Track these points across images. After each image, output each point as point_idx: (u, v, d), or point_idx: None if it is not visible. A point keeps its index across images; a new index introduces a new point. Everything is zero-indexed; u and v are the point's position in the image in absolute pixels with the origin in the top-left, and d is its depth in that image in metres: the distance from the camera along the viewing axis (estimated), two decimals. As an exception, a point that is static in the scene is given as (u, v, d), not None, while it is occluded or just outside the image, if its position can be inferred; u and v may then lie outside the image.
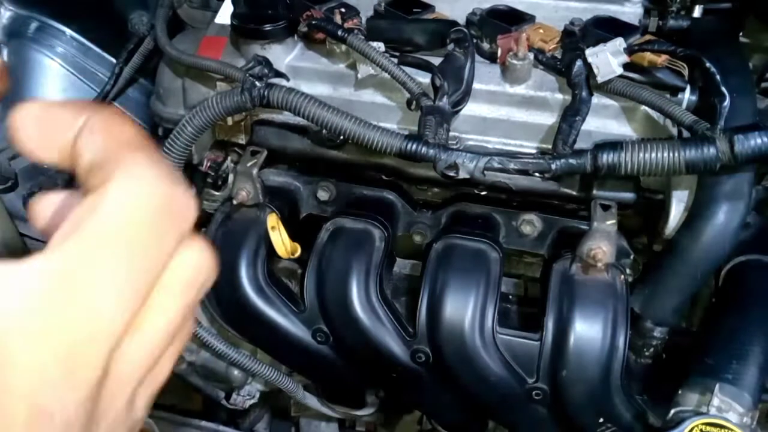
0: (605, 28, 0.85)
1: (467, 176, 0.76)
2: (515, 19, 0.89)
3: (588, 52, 0.79)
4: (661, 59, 0.80)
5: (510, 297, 0.98)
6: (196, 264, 0.29)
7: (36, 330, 0.24)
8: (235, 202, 0.92)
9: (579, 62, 0.80)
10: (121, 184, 0.26)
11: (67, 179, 1.10)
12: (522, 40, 0.84)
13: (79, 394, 0.25)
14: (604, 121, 0.86)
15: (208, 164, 1.02)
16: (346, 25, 0.86)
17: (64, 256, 0.25)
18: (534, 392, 0.83)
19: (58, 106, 0.30)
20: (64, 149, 0.29)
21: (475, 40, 0.89)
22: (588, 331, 0.79)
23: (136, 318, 0.27)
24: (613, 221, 0.81)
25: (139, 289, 0.26)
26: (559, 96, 0.85)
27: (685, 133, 0.77)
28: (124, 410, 0.29)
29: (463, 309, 0.82)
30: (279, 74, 0.88)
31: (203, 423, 1.17)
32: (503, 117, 0.88)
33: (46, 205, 0.33)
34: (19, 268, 0.25)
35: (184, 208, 0.28)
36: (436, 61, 0.85)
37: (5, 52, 1.23)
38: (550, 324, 0.81)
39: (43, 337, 0.24)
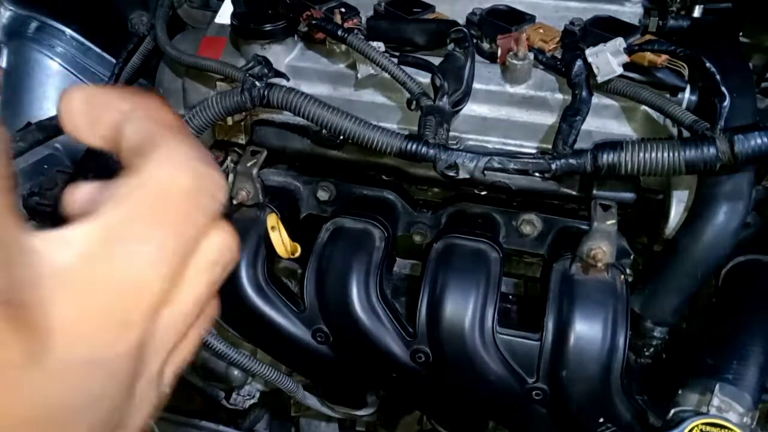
0: (605, 28, 0.85)
1: (467, 176, 0.76)
2: (515, 19, 0.89)
3: (588, 52, 0.79)
4: (661, 59, 0.80)
5: (510, 297, 0.98)
6: (222, 243, 0.31)
7: (83, 282, 0.25)
8: (235, 202, 0.92)
9: (579, 62, 0.80)
10: (161, 162, 0.28)
11: (67, 179, 1.09)
12: (522, 40, 0.84)
13: (122, 348, 0.27)
14: (604, 121, 0.86)
15: (208, 164, 1.02)
16: (346, 25, 0.86)
17: (108, 221, 0.27)
18: (534, 392, 0.83)
19: (104, 91, 0.32)
20: (108, 133, 0.31)
21: (475, 40, 0.89)
22: (588, 331, 0.79)
23: (173, 285, 0.29)
24: (613, 221, 0.81)
25: (177, 256, 0.28)
26: (559, 96, 0.86)
27: (685, 133, 0.77)
28: (156, 379, 0.30)
29: (463, 309, 0.82)
30: (279, 74, 0.88)
31: (203, 423, 1.17)
32: (503, 117, 0.88)
33: (80, 194, 0.35)
34: (66, 230, 0.26)
35: (215, 188, 0.30)
36: (436, 61, 0.85)
37: (5, 52, 1.23)
38: (550, 324, 0.81)
39: (89, 289, 0.25)
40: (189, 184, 0.28)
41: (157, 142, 0.29)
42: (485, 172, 0.76)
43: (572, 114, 0.79)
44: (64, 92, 0.31)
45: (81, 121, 0.31)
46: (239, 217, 0.92)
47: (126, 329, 0.27)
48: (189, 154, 0.29)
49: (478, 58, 0.88)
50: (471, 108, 0.87)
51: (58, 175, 1.13)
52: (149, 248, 0.27)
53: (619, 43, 0.77)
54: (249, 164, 0.92)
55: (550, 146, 0.82)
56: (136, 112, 0.31)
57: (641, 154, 0.74)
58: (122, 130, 0.31)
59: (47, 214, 1.07)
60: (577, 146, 0.78)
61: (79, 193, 0.35)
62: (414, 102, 0.82)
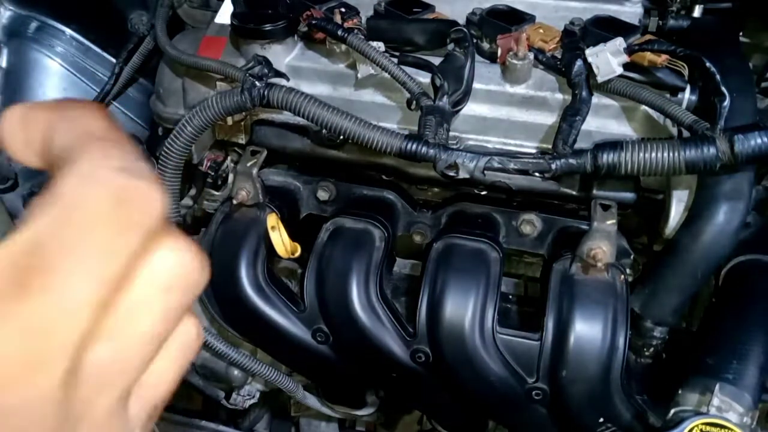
0: (605, 27, 0.85)
1: (467, 176, 0.76)
2: (515, 18, 0.89)
3: (588, 51, 0.79)
4: (661, 59, 0.80)
5: (510, 297, 0.98)
6: (174, 264, 0.27)
7: None
8: (235, 201, 0.92)
9: (579, 62, 0.80)
10: (71, 178, 0.25)
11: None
12: (522, 39, 0.84)
13: (39, 391, 0.24)
14: (604, 121, 0.86)
15: (208, 164, 1.02)
16: (346, 25, 0.86)
17: (14, 249, 0.24)
18: (534, 392, 0.83)
19: (36, 106, 0.30)
20: (39, 148, 0.29)
21: (475, 40, 0.89)
22: (588, 331, 0.79)
23: (106, 317, 0.26)
24: (613, 221, 0.81)
25: (103, 284, 0.25)
26: (559, 96, 0.85)
27: (685, 133, 0.77)
28: (109, 417, 0.27)
29: (463, 309, 0.82)
30: (279, 74, 0.88)
31: (203, 423, 1.17)
32: (503, 117, 0.88)
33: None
34: None
35: (143, 201, 0.26)
36: (436, 61, 0.85)
37: (5, 52, 1.23)
38: (550, 324, 0.81)
39: (3, 324, 0.23)
40: (104, 199, 0.25)
41: (75, 155, 0.26)
42: (485, 172, 0.76)
43: (572, 114, 0.79)
44: (4, 112, 0.29)
45: (17, 141, 0.29)
46: (239, 216, 0.92)
47: (41, 370, 0.24)
48: (110, 165, 0.25)
49: (478, 58, 0.88)
50: (471, 108, 0.87)
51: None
52: (64, 277, 0.24)
53: (619, 43, 0.77)
54: (249, 164, 0.92)
55: (550, 146, 0.82)
56: (61, 124, 0.28)
57: (641, 154, 0.74)
58: (48, 144, 0.28)
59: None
60: (577, 146, 0.78)
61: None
62: (414, 102, 0.82)
